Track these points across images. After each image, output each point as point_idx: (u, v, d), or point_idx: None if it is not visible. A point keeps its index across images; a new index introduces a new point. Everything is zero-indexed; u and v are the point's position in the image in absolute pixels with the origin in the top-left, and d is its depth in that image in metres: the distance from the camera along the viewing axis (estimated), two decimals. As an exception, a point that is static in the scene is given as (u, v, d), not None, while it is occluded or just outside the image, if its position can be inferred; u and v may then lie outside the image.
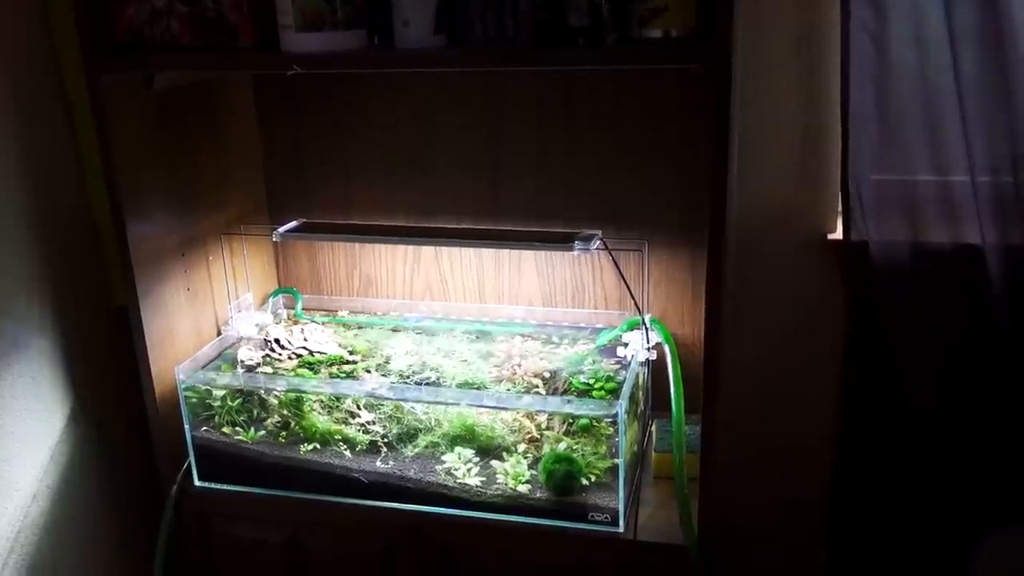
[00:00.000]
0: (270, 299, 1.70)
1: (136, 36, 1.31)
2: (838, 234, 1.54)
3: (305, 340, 1.58)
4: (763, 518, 1.71)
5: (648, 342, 1.45)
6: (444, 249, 1.66)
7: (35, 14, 1.40)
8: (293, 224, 1.58)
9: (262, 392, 1.46)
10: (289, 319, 1.70)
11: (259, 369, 1.51)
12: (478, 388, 1.44)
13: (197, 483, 1.49)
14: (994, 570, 1.22)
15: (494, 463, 1.40)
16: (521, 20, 1.23)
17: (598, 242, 1.46)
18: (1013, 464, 1.46)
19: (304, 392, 1.45)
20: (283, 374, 1.50)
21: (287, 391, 1.45)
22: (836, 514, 1.63)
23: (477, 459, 1.41)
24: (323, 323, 1.68)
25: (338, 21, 1.24)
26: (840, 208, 1.50)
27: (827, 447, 1.63)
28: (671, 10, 1.15)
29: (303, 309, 1.71)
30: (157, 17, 1.30)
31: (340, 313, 1.72)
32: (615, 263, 1.53)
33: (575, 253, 1.54)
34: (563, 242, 1.45)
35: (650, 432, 1.55)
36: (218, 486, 1.49)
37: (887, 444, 1.56)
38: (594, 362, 1.51)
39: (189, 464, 1.49)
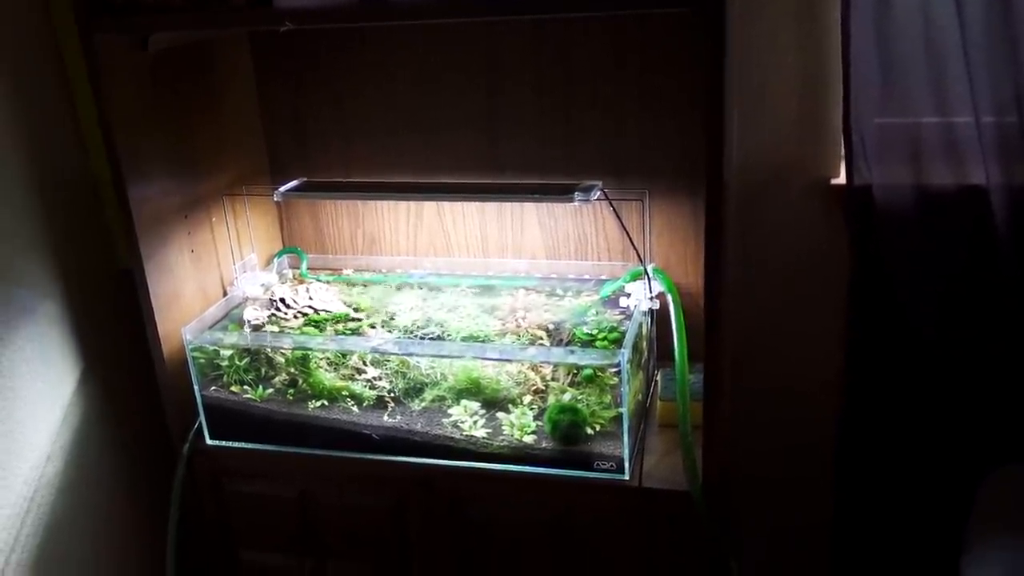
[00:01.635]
0: (275, 259, 1.71)
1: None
2: (841, 179, 1.54)
3: (310, 299, 1.59)
4: (769, 462, 1.73)
5: (651, 292, 1.46)
6: (446, 205, 1.67)
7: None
8: (294, 183, 1.58)
9: (269, 351, 1.48)
10: (294, 279, 1.71)
11: (265, 328, 1.53)
12: (483, 341, 1.45)
13: (208, 442, 1.51)
14: (999, 504, 1.23)
15: (500, 415, 1.41)
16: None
17: (598, 193, 1.46)
18: (1017, 400, 1.46)
19: (311, 349, 1.46)
20: (289, 332, 1.51)
21: (294, 349, 1.46)
22: (843, 455, 1.64)
23: (483, 411, 1.42)
24: (328, 282, 1.69)
25: (330, -25, 1.23)
26: (843, 153, 1.50)
27: (833, 391, 1.64)
28: (664, -47, 1.13)
29: (308, 268, 1.72)
30: (149, -23, 1.29)
31: (345, 271, 1.73)
32: (616, 213, 1.53)
33: (576, 204, 1.54)
34: (563, 194, 1.45)
35: (655, 381, 1.56)
36: (229, 444, 1.51)
37: (892, 385, 1.57)
38: (597, 313, 1.51)
39: (200, 423, 1.51)
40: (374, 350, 1.44)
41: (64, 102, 1.46)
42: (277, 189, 1.54)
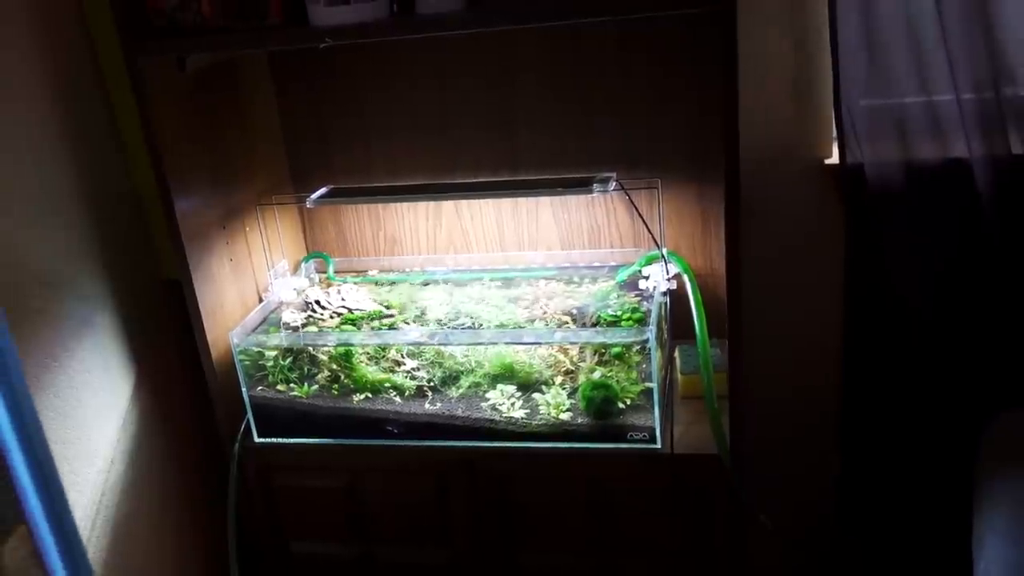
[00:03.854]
0: (303, 264, 1.79)
1: (168, 20, 1.38)
2: (834, 159, 1.64)
3: (343, 299, 1.68)
4: (778, 427, 1.83)
5: (668, 273, 1.56)
6: (464, 203, 1.75)
7: (70, 3, 1.46)
8: (323, 191, 1.66)
9: (312, 349, 1.56)
10: (322, 282, 1.79)
11: (305, 329, 1.61)
12: (515, 327, 1.55)
13: (257, 439, 1.59)
14: (1001, 447, 1.34)
15: (535, 396, 1.51)
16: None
17: (615, 183, 1.56)
18: (1011, 352, 1.58)
19: (353, 345, 1.54)
20: (331, 331, 1.59)
21: (338, 346, 1.54)
22: (848, 418, 1.75)
23: (519, 394, 1.52)
24: (356, 283, 1.77)
25: (362, -7, 1.32)
26: (835, 134, 1.60)
27: (834, 360, 1.74)
28: (677, -41, 1.23)
29: (334, 272, 1.80)
30: (187, 1, 1.37)
31: (369, 273, 1.81)
32: (632, 202, 1.63)
33: (592, 196, 1.63)
34: (581, 186, 1.55)
35: (674, 358, 1.66)
36: (277, 440, 1.59)
37: (889, 350, 1.68)
38: (618, 296, 1.61)
39: (248, 422, 1.58)
40: (415, 343, 1.53)
41: (107, 120, 1.53)
42: (308, 197, 1.62)
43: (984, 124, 1.51)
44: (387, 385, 1.54)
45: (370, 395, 1.55)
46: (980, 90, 1.49)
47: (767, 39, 1.59)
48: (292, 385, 1.57)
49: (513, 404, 1.51)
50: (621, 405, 1.48)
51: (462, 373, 1.54)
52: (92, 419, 1.45)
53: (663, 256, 1.57)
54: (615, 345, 1.48)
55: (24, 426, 0.86)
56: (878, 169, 1.58)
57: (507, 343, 1.51)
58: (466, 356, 1.53)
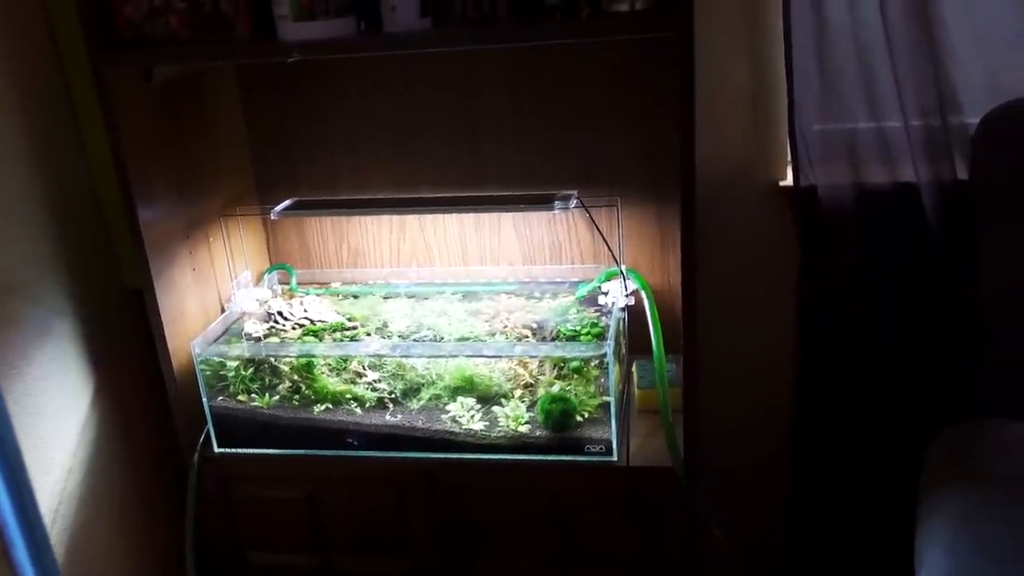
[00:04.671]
0: (265, 275, 1.80)
1: (136, 31, 1.39)
2: (788, 181, 1.69)
3: (305, 311, 1.69)
4: (733, 442, 1.87)
5: (626, 290, 1.59)
6: (427, 217, 1.78)
7: (36, 12, 1.47)
8: (288, 203, 1.67)
9: (273, 360, 1.57)
10: (284, 294, 1.80)
11: (267, 340, 1.61)
12: (476, 341, 1.57)
13: (217, 449, 1.59)
14: (943, 463, 1.39)
15: (495, 408, 1.53)
16: (499, 2, 1.35)
17: (575, 201, 1.59)
18: (953, 372, 1.64)
19: (315, 357, 1.56)
20: (292, 342, 1.60)
21: (299, 357, 1.56)
22: (800, 434, 1.80)
23: (479, 406, 1.54)
24: (319, 295, 1.78)
25: (330, 9, 1.34)
26: (789, 157, 1.65)
27: (787, 376, 1.78)
28: (638, -14, 1.28)
29: (297, 283, 1.82)
30: (156, 13, 1.38)
31: (332, 285, 1.83)
32: (592, 220, 1.66)
33: (554, 213, 1.67)
34: (543, 203, 1.58)
35: (631, 372, 1.69)
36: (237, 450, 1.59)
37: (840, 370, 1.72)
38: (577, 311, 1.64)
39: (208, 432, 1.59)
40: (376, 354, 1.55)
41: (72, 128, 1.53)
42: (273, 208, 1.64)
43: (931, 150, 1.56)
44: (348, 397, 1.56)
45: (331, 406, 1.56)
46: (927, 117, 1.55)
47: (724, 64, 1.63)
48: (253, 395, 1.58)
49: (473, 416, 1.53)
50: (579, 418, 1.50)
51: (423, 385, 1.56)
52: (50, 427, 1.45)
53: (622, 273, 1.60)
54: (574, 359, 1.51)
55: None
56: (830, 192, 1.63)
57: (468, 356, 1.54)
58: (427, 368, 1.56)
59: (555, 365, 1.54)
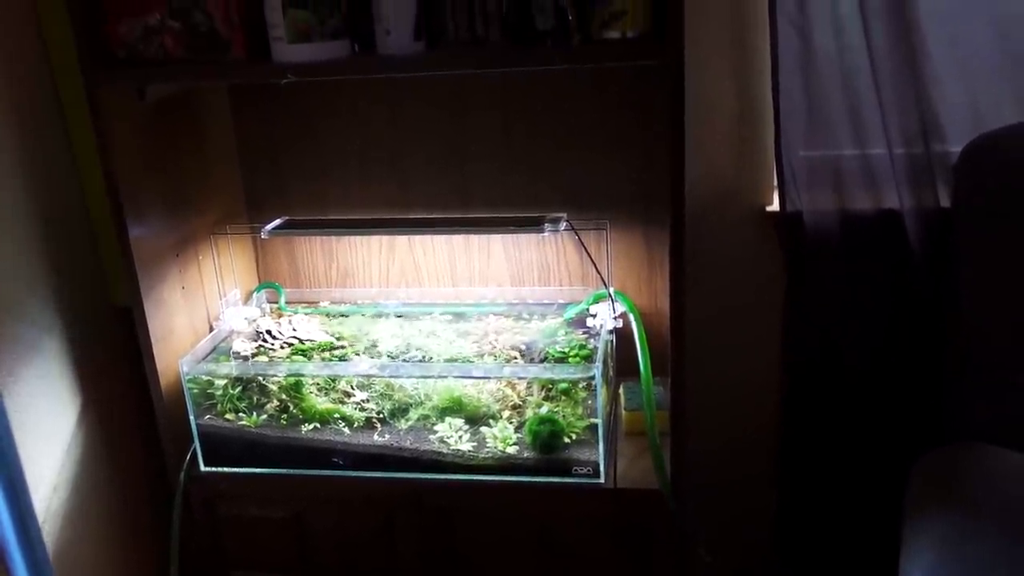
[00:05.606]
0: (254, 294, 1.80)
1: (130, 51, 1.40)
2: (775, 206, 1.71)
3: (294, 330, 1.69)
4: (719, 464, 1.88)
5: (614, 312, 1.61)
6: (417, 238, 1.78)
7: (30, 30, 1.47)
8: (278, 222, 1.68)
9: (261, 379, 1.57)
10: (273, 312, 1.81)
11: (255, 359, 1.61)
12: (465, 362, 1.58)
13: (203, 468, 1.59)
14: (926, 485, 1.41)
15: (483, 429, 1.53)
16: (491, 23, 1.36)
17: (565, 223, 1.60)
18: (936, 397, 1.65)
19: (303, 376, 1.56)
20: (281, 361, 1.60)
21: (288, 376, 1.56)
22: (785, 456, 1.81)
23: (467, 427, 1.54)
24: (307, 314, 1.78)
25: (325, 32, 1.35)
26: (775, 183, 1.67)
27: (773, 399, 1.80)
28: (630, 13, 1.29)
29: (286, 302, 1.82)
30: (151, 33, 1.39)
31: (321, 304, 1.83)
32: (581, 242, 1.67)
33: (543, 235, 1.68)
34: (533, 225, 1.59)
35: (619, 394, 1.70)
36: (223, 469, 1.59)
37: (825, 393, 1.74)
38: (566, 333, 1.65)
39: (194, 450, 1.58)
40: (365, 374, 1.55)
41: (63, 145, 1.53)
42: (263, 227, 1.64)
43: (914, 178, 1.59)
44: (336, 416, 1.56)
45: (319, 426, 1.56)
46: (910, 145, 1.57)
47: (712, 90, 1.66)
48: (241, 414, 1.58)
49: (461, 437, 1.53)
50: (567, 440, 1.51)
51: (411, 406, 1.56)
52: (36, 444, 1.44)
53: (610, 295, 1.62)
54: (562, 381, 1.52)
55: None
56: (816, 217, 1.65)
57: (456, 377, 1.54)
58: (416, 389, 1.56)
59: (543, 386, 1.55)
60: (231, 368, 1.58)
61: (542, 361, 1.57)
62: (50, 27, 1.49)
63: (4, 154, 1.41)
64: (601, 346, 1.54)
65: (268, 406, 1.58)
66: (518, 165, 1.71)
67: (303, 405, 1.56)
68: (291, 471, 1.57)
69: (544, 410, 1.52)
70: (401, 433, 1.55)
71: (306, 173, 1.78)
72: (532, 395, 1.55)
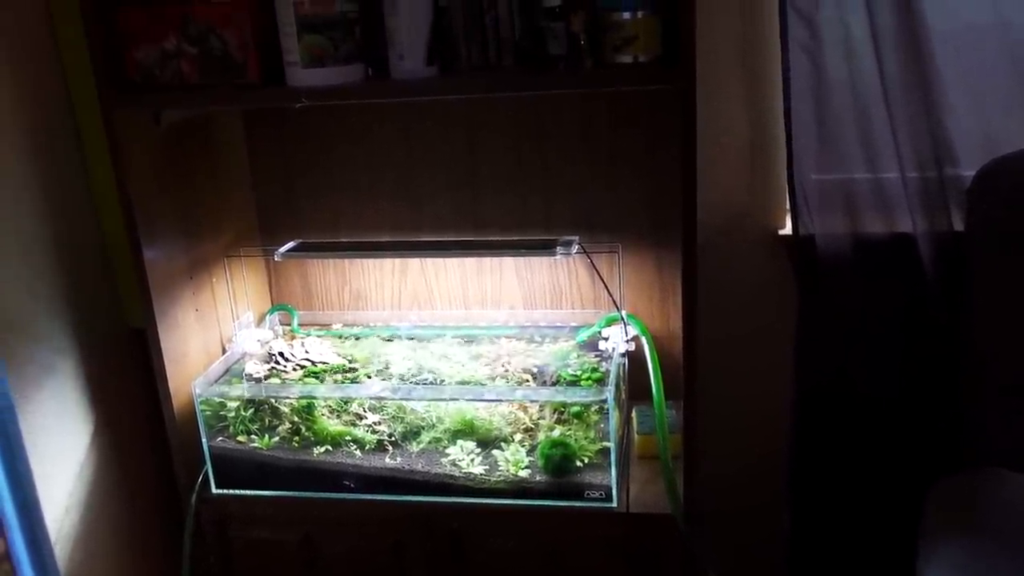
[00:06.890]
0: (267, 316, 1.81)
1: (147, 76, 1.42)
2: (787, 230, 1.71)
3: (307, 352, 1.69)
4: (731, 487, 1.87)
5: (627, 335, 1.60)
6: (429, 260, 1.79)
7: (47, 55, 1.49)
8: (291, 245, 1.69)
9: (274, 401, 1.57)
10: (286, 335, 1.81)
11: (268, 381, 1.62)
12: (477, 384, 1.57)
13: (215, 490, 1.59)
14: (942, 512, 1.40)
15: (495, 452, 1.53)
16: (504, 49, 1.38)
17: (577, 247, 1.61)
18: (953, 422, 1.64)
19: (315, 398, 1.56)
20: (293, 383, 1.61)
21: (300, 398, 1.56)
22: (798, 480, 1.80)
23: (479, 450, 1.54)
24: (320, 336, 1.79)
25: (339, 57, 1.37)
26: (788, 206, 1.67)
27: (785, 423, 1.79)
28: (641, 39, 1.30)
29: (299, 324, 1.82)
30: (167, 58, 1.40)
31: (333, 326, 1.83)
32: (593, 265, 1.67)
33: (556, 258, 1.68)
34: (545, 248, 1.59)
35: (631, 418, 1.70)
36: (235, 491, 1.59)
37: (839, 417, 1.73)
38: (578, 356, 1.65)
39: (206, 472, 1.58)
40: (377, 397, 1.55)
41: (79, 168, 1.55)
42: (276, 250, 1.65)
43: (926, 201, 1.59)
44: (348, 438, 1.56)
45: (330, 448, 1.56)
46: (923, 169, 1.57)
47: (724, 114, 1.66)
48: (253, 436, 1.58)
49: (472, 460, 1.53)
50: (579, 463, 1.50)
51: (423, 428, 1.56)
52: (48, 466, 1.45)
53: (622, 318, 1.61)
54: (574, 404, 1.52)
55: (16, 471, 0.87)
56: (828, 240, 1.65)
57: (468, 399, 1.54)
58: (427, 411, 1.56)
59: (555, 410, 1.54)
60: (243, 390, 1.58)
61: (554, 384, 1.57)
62: (68, 52, 1.51)
63: (21, 178, 1.43)
64: (613, 369, 1.54)
65: (280, 428, 1.58)
66: (530, 189, 1.71)
67: (315, 427, 1.56)
68: (302, 494, 1.56)
69: (556, 433, 1.52)
70: (413, 456, 1.55)
71: (319, 196, 1.79)
72: (544, 418, 1.55)
